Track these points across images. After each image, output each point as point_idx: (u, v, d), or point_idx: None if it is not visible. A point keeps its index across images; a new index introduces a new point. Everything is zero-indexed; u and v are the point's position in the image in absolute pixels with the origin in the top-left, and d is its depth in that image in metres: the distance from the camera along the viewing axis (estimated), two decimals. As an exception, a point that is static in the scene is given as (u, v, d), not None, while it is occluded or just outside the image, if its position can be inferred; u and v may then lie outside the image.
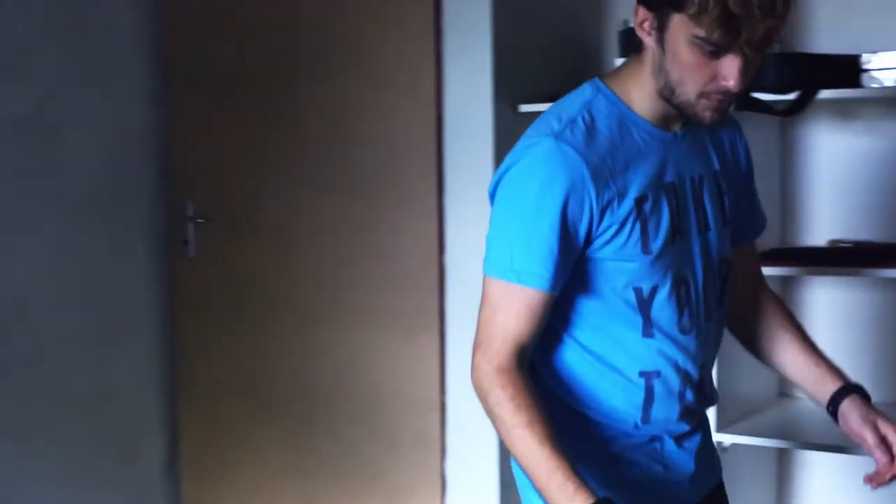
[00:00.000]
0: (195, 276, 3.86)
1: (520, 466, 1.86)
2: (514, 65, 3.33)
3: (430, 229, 3.36)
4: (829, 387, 2.12)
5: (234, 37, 3.72)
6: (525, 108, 3.33)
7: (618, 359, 1.94)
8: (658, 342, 1.93)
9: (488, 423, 3.25)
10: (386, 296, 3.47)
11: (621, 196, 1.86)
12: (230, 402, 3.80)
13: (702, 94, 1.86)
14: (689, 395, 2.00)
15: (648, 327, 1.93)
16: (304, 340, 3.62)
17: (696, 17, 1.78)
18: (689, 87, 1.85)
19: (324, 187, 3.55)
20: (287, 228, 3.63)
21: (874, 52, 2.97)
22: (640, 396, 1.95)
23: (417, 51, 3.37)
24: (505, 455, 3.27)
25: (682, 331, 1.96)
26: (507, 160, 1.91)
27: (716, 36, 1.78)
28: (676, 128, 1.98)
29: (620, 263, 1.89)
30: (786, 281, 3.45)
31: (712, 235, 2.02)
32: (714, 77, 1.83)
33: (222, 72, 3.75)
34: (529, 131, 1.93)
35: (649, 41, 1.88)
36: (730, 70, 1.82)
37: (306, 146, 3.58)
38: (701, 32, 1.79)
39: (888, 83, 2.93)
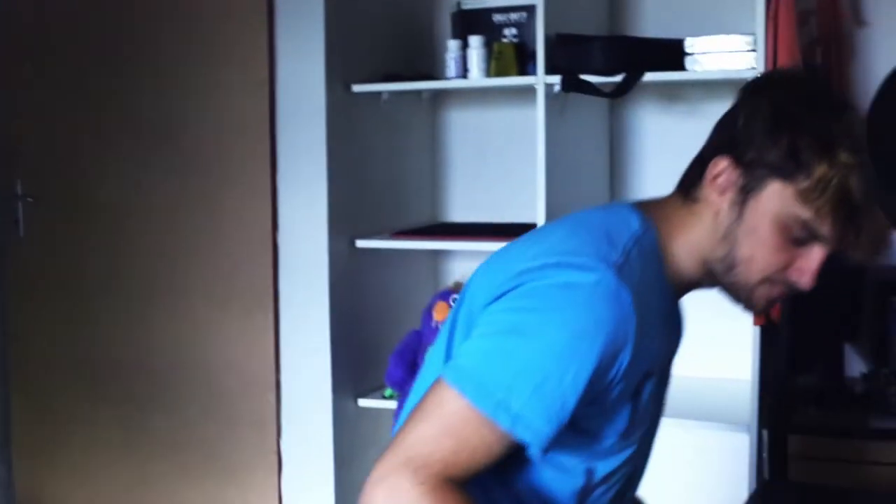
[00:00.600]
0: (25, 256, 3.79)
1: None
2: (347, 45, 3.34)
3: (263, 209, 3.36)
4: None
5: (61, 13, 3.64)
6: (358, 87, 3.34)
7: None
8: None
9: (322, 401, 3.30)
10: (220, 276, 3.46)
11: (637, 366, 1.50)
12: (63, 381, 3.75)
13: (765, 280, 1.54)
14: None
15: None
16: (137, 320, 3.59)
17: (803, 195, 1.47)
18: (756, 270, 1.53)
19: (156, 166, 3.52)
20: (120, 207, 3.59)
21: (697, 36, 3.06)
22: None
23: (250, 30, 3.35)
24: (339, 432, 3.32)
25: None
26: (546, 260, 1.49)
27: (820, 224, 1.48)
28: (677, 296, 1.66)
29: (591, 438, 1.55)
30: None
31: (659, 416, 1.75)
32: (788, 265, 1.52)
33: (51, 49, 3.67)
34: (575, 242, 1.52)
35: (721, 200, 1.54)
36: (811, 264, 1.51)
37: (138, 125, 3.54)
38: (804, 214, 1.48)
39: (710, 67, 3.03)
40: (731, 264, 1.54)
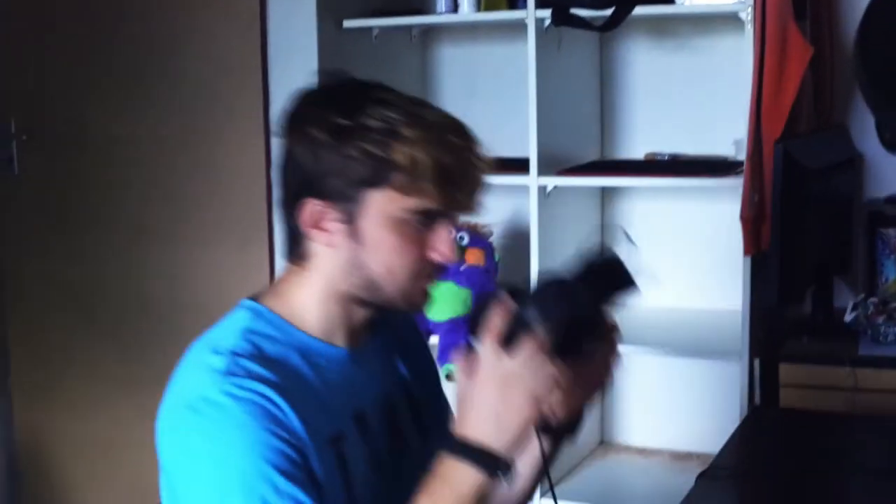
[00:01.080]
0: (20, 193, 3.80)
1: None
2: None
3: (256, 143, 3.38)
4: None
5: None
6: (349, 23, 3.34)
7: None
8: None
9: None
10: (215, 209, 3.49)
11: (317, 439, 1.46)
12: (61, 319, 3.78)
13: (415, 277, 1.51)
14: None
15: None
16: (133, 255, 3.62)
17: (405, 188, 1.45)
18: (401, 275, 1.50)
19: (150, 103, 3.53)
20: (114, 144, 3.60)
21: (686, -30, 3.07)
22: None
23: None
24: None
25: None
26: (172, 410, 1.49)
27: (431, 202, 1.47)
28: (356, 341, 1.58)
29: None
30: (605, 192, 3.58)
31: (414, 455, 1.62)
32: (423, 254, 1.50)
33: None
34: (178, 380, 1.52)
35: (332, 240, 1.50)
36: (443, 240, 1.50)
37: (130, 61, 3.54)
38: (414, 203, 1.46)
39: (698, 1, 3.04)
40: (374, 287, 1.51)
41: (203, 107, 3.45)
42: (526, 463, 1.58)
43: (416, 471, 1.55)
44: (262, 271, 3.43)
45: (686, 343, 3.18)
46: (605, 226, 3.56)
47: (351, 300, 1.54)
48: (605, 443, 3.60)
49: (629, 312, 3.52)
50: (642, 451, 3.49)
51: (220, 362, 1.45)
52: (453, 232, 1.52)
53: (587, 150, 3.50)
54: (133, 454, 3.68)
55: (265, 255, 3.42)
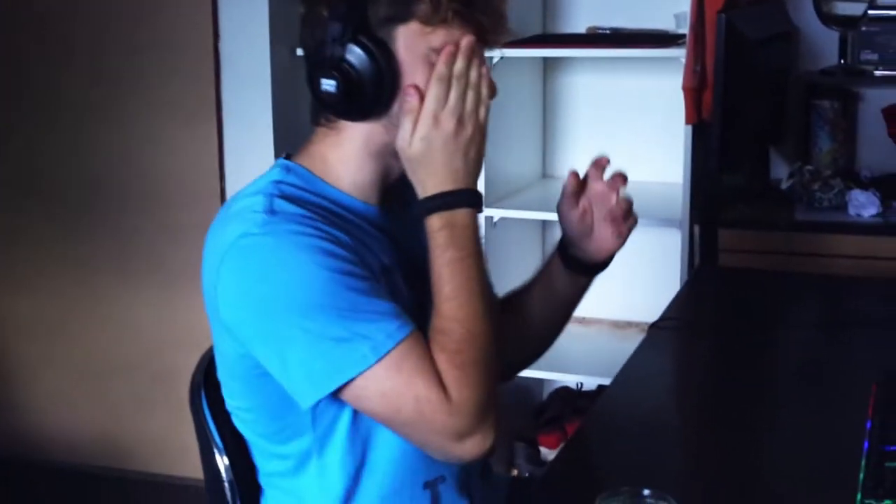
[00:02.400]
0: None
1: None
2: (291, 7, 3.30)
3: (204, 16, 3.36)
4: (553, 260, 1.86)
5: None
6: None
7: (400, 474, 1.58)
8: None
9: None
10: (162, 86, 3.47)
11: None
12: (5, 199, 3.76)
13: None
14: (475, 483, 1.69)
15: None
16: (79, 133, 3.61)
17: (429, 18, 1.46)
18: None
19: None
20: (60, 19, 3.55)
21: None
22: None
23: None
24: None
25: None
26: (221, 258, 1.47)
27: (457, 33, 1.48)
28: (388, 200, 1.61)
29: None
30: (548, 64, 3.63)
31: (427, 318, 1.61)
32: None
33: None
34: (225, 226, 1.51)
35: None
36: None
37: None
38: (440, 38, 1.48)
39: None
40: None
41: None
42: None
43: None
44: (211, 146, 3.44)
45: (628, 212, 3.25)
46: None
47: (391, 153, 1.54)
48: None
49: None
50: (582, 321, 3.57)
51: (257, 204, 1.47)
52: (486, 67, 1.51)
53: (530, 23, 3.54)
54: (84, 334, 3.73)
55: (213, 130, 3.43)
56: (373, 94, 1.49)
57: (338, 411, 1.51)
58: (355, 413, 1.51)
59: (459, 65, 1.48)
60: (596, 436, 1.82)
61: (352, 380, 1.41)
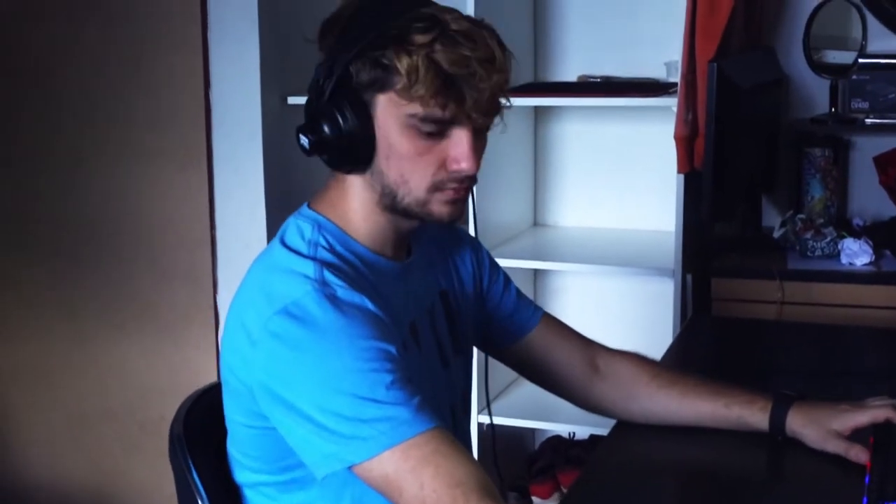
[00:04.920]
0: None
1: None
2: (282, 56, 3.33)
3: (195, 64, 3.36)
4: (759, 413, 1.82)
5: None
6: (294, 100, 3.33)
7: None
8: None
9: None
10: (152, 131, 3.46)
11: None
12: (-7, 242, 3.74)
13: (434, 188, 1.54)
14: None
15: None
16: (68, 176, 3.58)
17: (405, 92, 1.48)
18: (416, 185, 1.53)
19: (84, 21, 3.47)
20: (53, 64, 3.55)
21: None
22: None
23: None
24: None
25: None
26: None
27: (435, 108, 1.49)
28: (403, 254, 1.67)
29: None
30: (539, 112, 3.63)
31: (451, 369, 1.75)
32: (443, 163, 1.53)
33: None
34: (264, 292, 1.52)
35: None
36: (460, 149, 1.52)
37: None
38: (416, 109, 1.49)
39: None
40: (391, 193, 1.55)
41: (139, 24, 3.41)
42: None
43: (455, 384, 1.72)
44: (201, 193, 3.43)
45: (620, 260, 3.25)
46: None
47: (387, 211, 1.58)
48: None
49: (563, 233, 3.62)
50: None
51: (309, 269, 1.50)
52: (469, 141, 1.51)
53: (520, 72, 3.55)
54: (71, 381, 3.70)
55: (204, 177, 3.41)
56: (346, 150, 1.54)
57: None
58: None
59: None
60: (595, 486, 1.79)
61: (358, 463, 1.42)
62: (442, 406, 1.67)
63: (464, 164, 1.51)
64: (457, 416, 1.75)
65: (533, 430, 3.61)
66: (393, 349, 1.46)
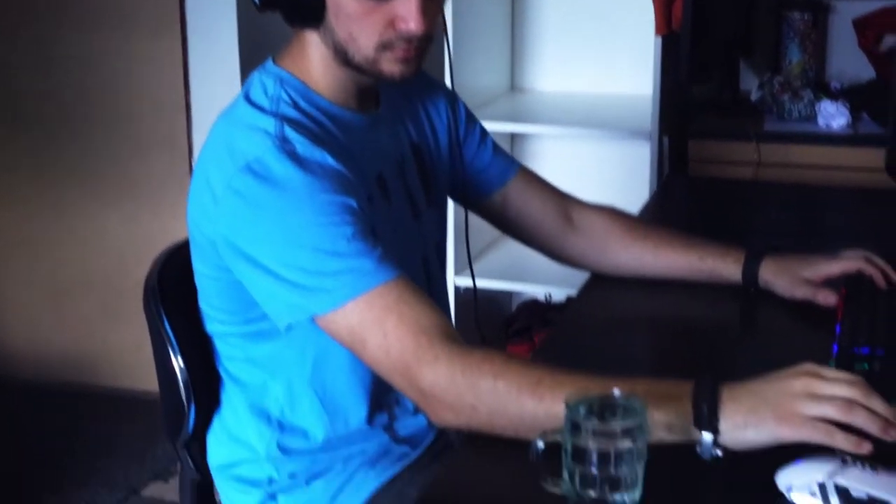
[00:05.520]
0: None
1: None
2: None
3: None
4: (732, 265, 1.84)
5: None
6: None
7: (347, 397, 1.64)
8: None
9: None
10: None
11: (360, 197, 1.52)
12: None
13: (382, 47, 1.52)
14: None
15: None
16: (41, 47, 3.54)
17: None
18: (363, 43, 1.51)
19: None
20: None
21: None
22: (385, 417, 1.68)
23: None
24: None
25: None
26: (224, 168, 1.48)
27: None
28: (371, 106, 1.66)
29: None
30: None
31: (423, 221, 1.74)
32: (391, 23, 1.50)
33: None
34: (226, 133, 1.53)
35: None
36: (407, 8, 1.48)
37: None
38: None
39: None
40: (342, 51, 1.53)
41: None
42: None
43: (426, 236, 1.72)
44: (175, 59, 3.39)
45: (597, 123, 3.24)
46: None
47: (337, 62, 1.56)
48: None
49: (540, 97, 3.60)
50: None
51: (270, 125, 1.49)
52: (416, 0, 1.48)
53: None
54: (49, 249, 3.70)
55: (178, 43, 3.38)
56: (296, 6, 1.53)
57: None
58: None
59: None
60: (566, 341, 1.81)
61: (322, 314, 1.43)
62: (413, 257, 1.68)
63: (412, 24, 1.49)
64: (430, 268, 1.75)
65: (510, 293, 3.64)
66: (354, 203, 1.46)
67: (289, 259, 1.43)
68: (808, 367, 1.30)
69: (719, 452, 1.27)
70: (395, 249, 1.51)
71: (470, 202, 1.90)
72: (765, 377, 1.30)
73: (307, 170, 1.46)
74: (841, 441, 1.23)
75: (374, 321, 1.40)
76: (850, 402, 1.25)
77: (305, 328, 1.49)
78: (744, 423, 1.26)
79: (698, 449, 1.27)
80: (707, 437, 1.26)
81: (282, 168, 1.45)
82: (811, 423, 1.24)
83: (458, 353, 1.37)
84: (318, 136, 1.52)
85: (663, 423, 1.28)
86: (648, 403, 1.22)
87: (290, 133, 1.49)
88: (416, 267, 1.69)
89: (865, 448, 1.23)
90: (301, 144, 1.48)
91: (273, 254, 1.44)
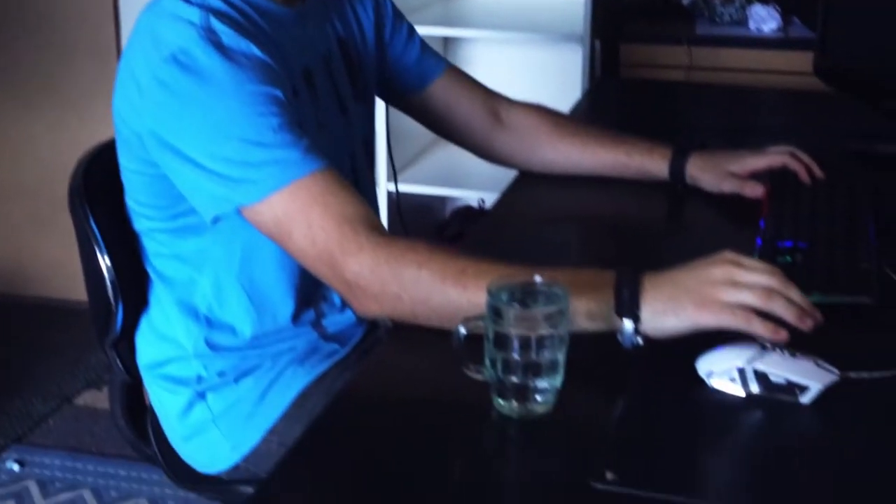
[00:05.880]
0: None
1: None
2: None
3: None
4: (660, 161, 1.86)
5: None
6: None
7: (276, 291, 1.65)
8: None
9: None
10: None
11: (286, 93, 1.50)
12: None
13: None
14: None
15: None
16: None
17: None
18: None
19: None
20: None
21: None
22: (312, 314, 1.69)
23: None
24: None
25: None
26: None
27: None
28: (298, 0, 1.62)
29: None
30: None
31: (350, 115, 1.73)
32: None
33: None
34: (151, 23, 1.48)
35: None
36: None
37: None
38: None
39: None
40: None
41: None
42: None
43: (353, 131, 1.71)
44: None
45: (529, 27, 3.22)
46: None
47: None
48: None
49: (474, 1, 3.55)
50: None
51: (195, 15, 1.46)
52: None
53: None
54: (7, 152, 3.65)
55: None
56: None
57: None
58: None
59: None
60: (491, 236, 1.82)
61: (248, 205, 1.42)
62: (340, 151, 1.67)
63: None
64: (357, 164, 1.74)
65: (443, 199, 3.64)
66: (280, 94, 1.45)
67: (214, 150, 1.41)
68: (729, 255, 1.31)
69: (640, 340, 1.28)
70: (321, 144, 1.50)
71: (397, 99, 1.90)
72: (686, 266, 1.31)
73: (233, 60, 1.44)
74: (759, 327, 1.25)
75: (300, 212, 1.40)
76: (768, 290, 1.26)
77: (232, 222, 1.48)
78: (664, 311, 1.27)
79: (619, 337, 1.28)
80: (628, 324, 1.27)
81: (207, 58, 1.43)
82: (730, 310, 1.25)
83: (382, 242, 1.37)
84: (243, 27, 1.49)
85: (585, 311, 1.29)
86: (571, 292, 1.23)
87: (216, 24, 1.46)
88: (344, 160, 1.69)
89: (782, 336, 1.25)
90: (226, 35, 1.46)
91: (198, 145, 1.42)
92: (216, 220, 1.47)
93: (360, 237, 1.38)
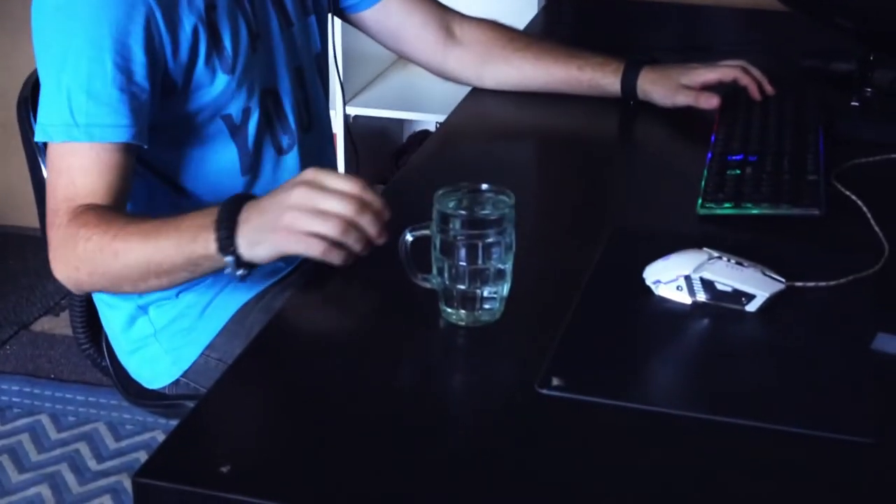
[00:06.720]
0: None
1: (152, 272, 1.38)
2: None
3: None
4: (611, 75, 1.85)
5: None
6: None
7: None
8: (260, 178, 1.63)
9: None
10: None
11: (189, 8, 1.46)
12: None
13: None
14: None
15: (246, 158, 1.59)
16: None
17: None
18: None
19: None
20: None
21: None
22: None
23: None
24: None
25: (281, 151, 1.65)
26: None
27: None
28: None
29: (200, 91, 1.51)
30: None
31: (295, 29, 1.67)
32: None
33: None
34: None
35: None
36: None
37: None
38: None
39: None
40: None
41: None
42: None
43: (299, 46, 1.68)
44: None
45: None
46: None
47: None
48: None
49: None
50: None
51: None
52: None
53: None
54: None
55: None
56: None
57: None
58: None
59: None
60: (441, 154, 1.82)
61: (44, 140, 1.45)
62: (283, 66, 1.64)
63: None
64: (306, 77, 1.70)
65: (400, 123, 3.62)
66: (141, 52, 1.41)
67: (49, 79, 1.42)
68: (309, 175, 1.27)
69: (245, 271, 1.30)
70: (258, 57, 1.51)
71: (347, 15, 1.87)
72: (275, 190, 1.30)
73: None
74: (335, 257, 1.25)
75: (56, 173, 1.42)
76: (342, 219, 1.23)
77: (173, 128, 1.49)
78: (255, 241, 1.27)
79: (227, 271, 1.30)
80: (229, 259, 1.29)
81: None
82: (306, 239, 1.24)
83: (74, 218, 1.39)
84: None
85: (197, 256, 1.32)
86: (180, 242, 1.31)
87: None
88: (286, 76, 1.65)
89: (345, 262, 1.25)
90: None
91: (42, 68, 1.44)
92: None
93: (63, 214, 1.40)
